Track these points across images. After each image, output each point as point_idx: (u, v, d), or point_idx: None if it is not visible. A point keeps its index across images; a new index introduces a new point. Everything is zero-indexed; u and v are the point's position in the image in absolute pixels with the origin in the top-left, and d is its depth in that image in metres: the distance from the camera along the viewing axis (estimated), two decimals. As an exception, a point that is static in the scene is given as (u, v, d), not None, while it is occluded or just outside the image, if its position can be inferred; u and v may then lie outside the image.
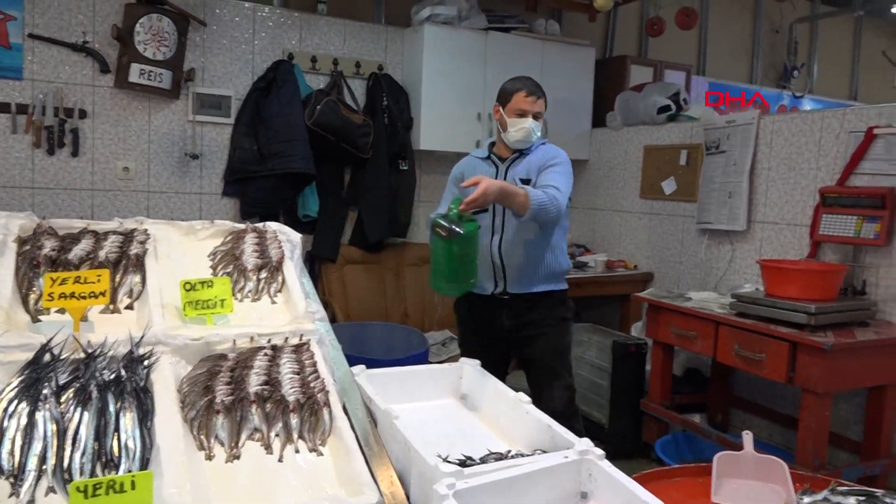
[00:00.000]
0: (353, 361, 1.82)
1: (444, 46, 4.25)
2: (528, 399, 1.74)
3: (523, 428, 1.70)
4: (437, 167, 4.66)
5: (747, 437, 1.97)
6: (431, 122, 4.27)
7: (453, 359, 3.90)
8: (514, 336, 2.66)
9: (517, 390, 1.84)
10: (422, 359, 2.82)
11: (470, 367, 2.02)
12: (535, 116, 2.54)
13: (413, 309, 4.42)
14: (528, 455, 1.52)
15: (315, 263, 4.20)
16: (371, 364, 1.92)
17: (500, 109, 2.59)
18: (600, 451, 1.46)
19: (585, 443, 1.50)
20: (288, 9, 4.17)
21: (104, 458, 1.24)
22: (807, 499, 1.66)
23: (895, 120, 2.76)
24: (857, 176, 3.09)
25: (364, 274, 4.29)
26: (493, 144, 2.71)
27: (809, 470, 2.60)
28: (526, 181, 2.53)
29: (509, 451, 1.58)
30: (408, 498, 1.34)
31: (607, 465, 1.42)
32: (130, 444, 1.27)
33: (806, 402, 2.65)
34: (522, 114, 2.53)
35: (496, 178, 2.53)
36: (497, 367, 2.60)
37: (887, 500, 1.59)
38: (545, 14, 4.95)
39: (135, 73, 3.56)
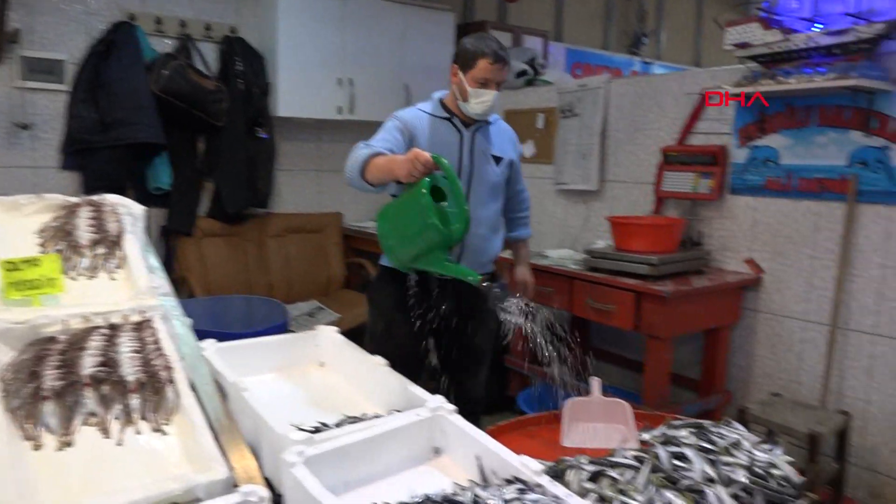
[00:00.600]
0: (206, 336, 1.78)
1: (301, 9, 4.11)
2: (385, 361, 1.76)
3: (380, 390, 1.72)
4: (298, 134, 4.54)
5: (595, 383, 2.10)
6: (290, 87, 4.14)
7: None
8: (451, 323, 2.37)
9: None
10: (281, 330, 2.75)
11: (327, 334, 2.01)
12: (498, 86, 2.28)
13: (278, 281, 4.32)
14: (383, 416, 1.54)
15: (170, 238, 3.99)
16: (225, 338, 1.87)
17: (460, 73, 2.26)
18: (451, 407, 1.50)
19: (438, 399, 1.53)
20: (126, -35, 3.87)
21: None
22: (645, 434, 1.78)
23: (726, 82, 2.98)
24: (694, 135, 3.31)
25: (224, 247, 4.14)
26: (441, 100, 2.38)
27: (654, 409, 2.81)
28: (498, 159, 2.38)
29: (365, 414, 1.59)
30: (261, 470, 1.32)
31: (457, 420, 1.46)
32: (-59, 440, 1.16)
33: (650, 346, 2.85)
34: (486, 84, 2.23)
35: (461, 147, 2.31)
36: (422, 359, 2.44)
37: (713, 429, 1.74)
38: (404, -23, 4.89)
39: (-55, 33, 3.19)
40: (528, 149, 4.29)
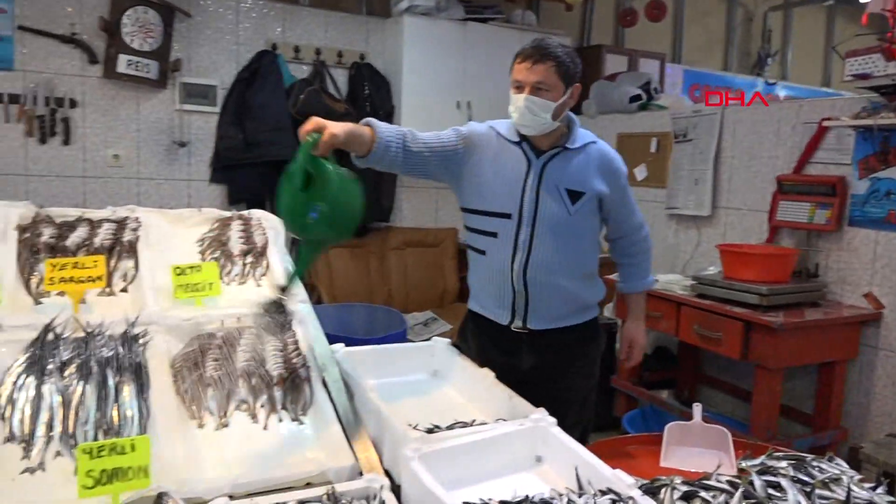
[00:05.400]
0: (334, 341, 1.92)
1: (424, 37, 4.37)
2: (493, 374, 1.87)
3: (488, 399, 1.80)
4: (419, 154, 4.80)
5: (696, 409, 2.11)
6: (412, 110, 4.39)
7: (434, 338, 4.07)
8: (533, 376, 2.04)
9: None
10: (400, 338, 2.95)
11: (441, 346, 2.16)
12: (536, 90, 1.85)
13: (396, 291, 4.58)
14: (489, 423, 1.67)
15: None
16: (351, 343, 2.01)
17: None
18: (552, 420, 1.60)
19: (541, 412, 1.65)
20: (270, 0, 4.27)
21: (105, 426, 1.38)
22: (744, 462, 1.81)
23: (845, 112, 2.93)
24: (812, 165, 3.26)
25: (349, 258, 4.43)
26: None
27: (762, 440, 2.78)
28: (576, 194, 1.96)
29: (473, 420, 1.68)
30: (381, 462, 1.47)
31: (558, 432, 1.57)
32: (129, 413, 1.41)
33: (758, 377, 2.84)
34: (520, 87, 1.88)
35: (527, 176, 1.95)
36: None
37: (814, 463, 1.75)
38: (522, 5, 5.07)
39: (122, 63, 3.68)
40: (641, 172, 4.32)
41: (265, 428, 1.51)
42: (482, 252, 2.05)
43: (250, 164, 3.96)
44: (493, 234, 1.99)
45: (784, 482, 1.59)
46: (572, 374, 2.13)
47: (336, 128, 1.60)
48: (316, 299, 4.01)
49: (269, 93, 3.97)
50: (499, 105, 4.57)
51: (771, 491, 1.56)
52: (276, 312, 1.65)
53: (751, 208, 3.60)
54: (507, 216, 1.96)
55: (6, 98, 3.61)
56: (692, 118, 3.89)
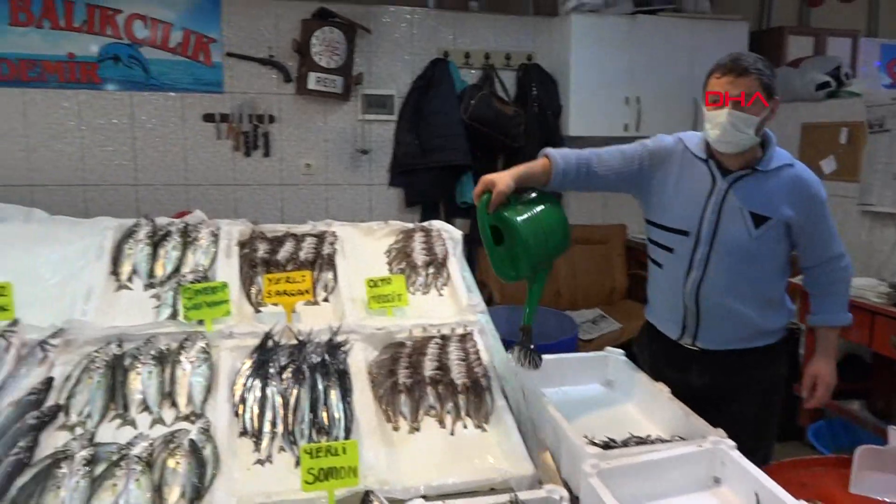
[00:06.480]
0: (509, 345, 2.00)
1: (591, 33, 4.34)
2: (668, 389, 1.87)
3: (663, 415, 1.81)
4: (586, 151, 4.80)
5: (893, 432, 1.99)
6: (580, 108, 4.39)
7: (603, 337, 4.08)
8: (705, 395, 1.96)
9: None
10: (571, 343, 3.01)
11: (615, 357, 2.19)
12: (737, 105, 1.79)
13: (565, 289, 4.61)
14: (666, 440, 1.66)
15: (473, 247, 4.50)
16: None
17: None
18: (731, 442, 1.58)
19: (719, 433, 1.63)
20: (441, 9, 4.45)
21: (317, 426, 1.58)
22: (951, 495, 1.69)
23: None
24: None
25: (518, 255, 4.53)
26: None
27: (972, 466, 2.53)
28: (762, 218, 1.89)
29: (649, 436, 1.70)
30: (559, 472, 1.55)
31: (737, 455, 1.55)
32: (337, 415, 1.61)
33: (969, 396, 2.59)
34: (716, 102, 1.82)
35: (710, 195, 1.92)
36: None
37: None
38: (696, -10, 4.86)
39: (312, 80, 4.03)
40: (828, 165, 4.02)
41: (452, 433, 1.64)
42: (659, 265, 2.08)
43: (426, 168, 4.18)
44: (670, 250, 2.00)
45: None
46: (746, 399, 2.06)
47: (503, 183, 1.70)
48: (487, 297, 4.16)
49: (442, 100, 4.16)
50: (668, 99, 4.52)
51: (980, 532, 1.47)
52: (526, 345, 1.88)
53: (963, 206, 3.25)
54: (685, 233, 1.96)
55: (218, 117, 4.09)
56: (891, 106, 3.55)
